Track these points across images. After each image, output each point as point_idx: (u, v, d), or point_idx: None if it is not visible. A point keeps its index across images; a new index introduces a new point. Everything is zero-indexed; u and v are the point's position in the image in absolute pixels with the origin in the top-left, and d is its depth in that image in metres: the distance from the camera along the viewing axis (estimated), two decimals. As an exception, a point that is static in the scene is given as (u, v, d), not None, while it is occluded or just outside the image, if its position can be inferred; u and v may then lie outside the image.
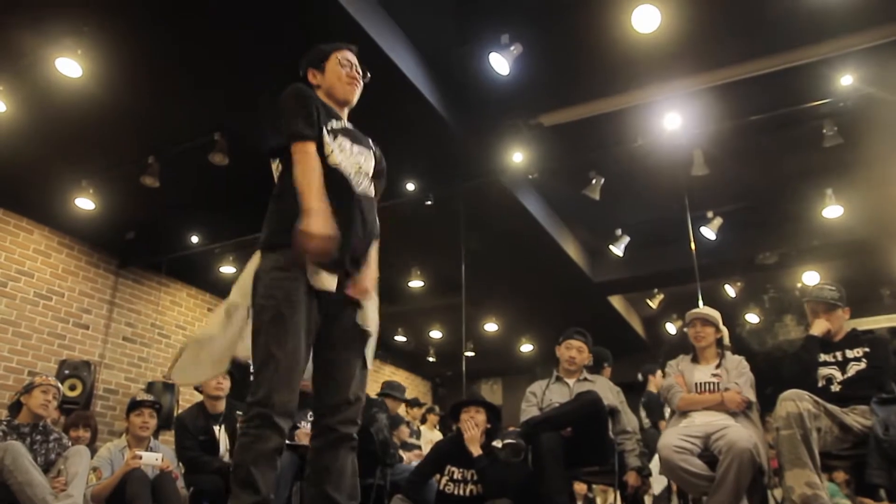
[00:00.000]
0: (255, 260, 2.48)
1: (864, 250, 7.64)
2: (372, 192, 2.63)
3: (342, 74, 2.74)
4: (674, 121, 5.71)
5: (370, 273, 2.57)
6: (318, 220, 2.18)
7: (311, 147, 2.39)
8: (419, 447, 7.37)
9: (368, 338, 2.50)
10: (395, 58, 4.97)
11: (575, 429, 3.89)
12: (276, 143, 2.50)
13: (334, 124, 2.58)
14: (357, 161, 2.58)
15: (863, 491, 6.14)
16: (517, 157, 6.12)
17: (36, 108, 5.62)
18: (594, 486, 8.26)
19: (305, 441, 4.88)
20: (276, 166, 2.57)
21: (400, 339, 12.04)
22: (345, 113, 2.79)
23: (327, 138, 2.49)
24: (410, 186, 6.71)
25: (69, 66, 4.92)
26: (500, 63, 4.98)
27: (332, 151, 2.47)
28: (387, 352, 12.76)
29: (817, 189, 6.79)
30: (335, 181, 2.42)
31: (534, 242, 7.83)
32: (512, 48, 4.95)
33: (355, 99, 2.80)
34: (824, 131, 5.52)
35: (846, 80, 5.12)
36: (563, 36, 5.22)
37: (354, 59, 2.82)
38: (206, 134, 5.89)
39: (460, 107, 5.84)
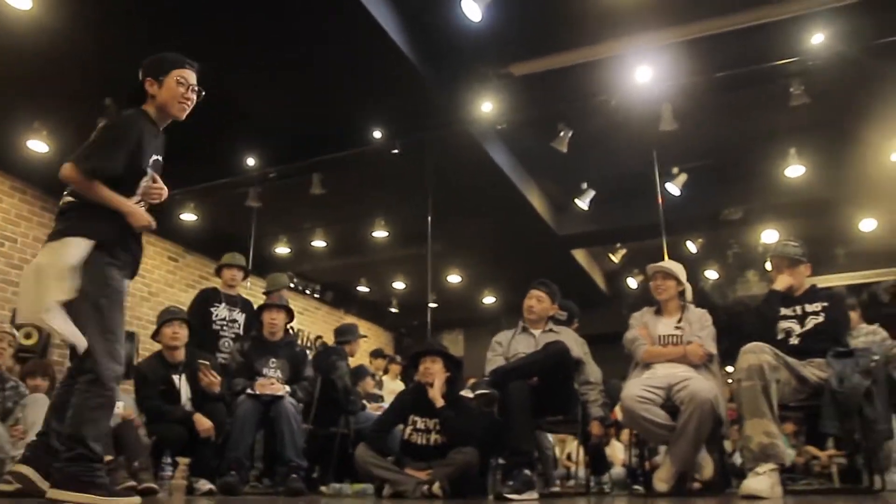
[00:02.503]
0: None
1: (823, 210, 7.80)
2: None
3: (178, 94, 2.95)
4: (644, 74, 5.68)
5: None
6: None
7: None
8: (382, 398, 7.41)
9: None
10: (365, 1, 4.83)
11: (542, 378, 3.93)
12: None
13: (150, 161, 2.91)
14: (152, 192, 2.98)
15: (812, 440, 6.39)
16: (486, 106, 6.05)
17: (-15, 45, 5.35)
18: (551, 435, 8.44)
19: (265, 390, 4.86)
20: None
21: (363, 289, 12.02)
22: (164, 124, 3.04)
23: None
24: (377, 134, 6.61)
25: (18, -2, 4.68)
26: (472, 9, 4.87)
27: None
28: (350, 302, 12.76)
29: (782, 148, 6.86)
30: None
31: (499, 194, 7.82)
32: (484, -6, 4.84)
33: (184, 116, 3.04)
34: (791, 90, 5.54)
35: (817, 38, 5.14)
36: (536, -17, 5.14)
37: (193, 79, 3.01)
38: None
39: (430, 54, 5.72)
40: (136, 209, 2.82)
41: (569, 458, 9.03)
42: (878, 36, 5.15)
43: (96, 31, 5.35)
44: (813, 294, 4.01)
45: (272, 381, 4.97)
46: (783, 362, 3.55)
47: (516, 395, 3.75)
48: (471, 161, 7.04)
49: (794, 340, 3.86)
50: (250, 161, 7.31)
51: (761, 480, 3.22)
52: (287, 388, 4.98)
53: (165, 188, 2.98)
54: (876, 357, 3.61)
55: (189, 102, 2.99)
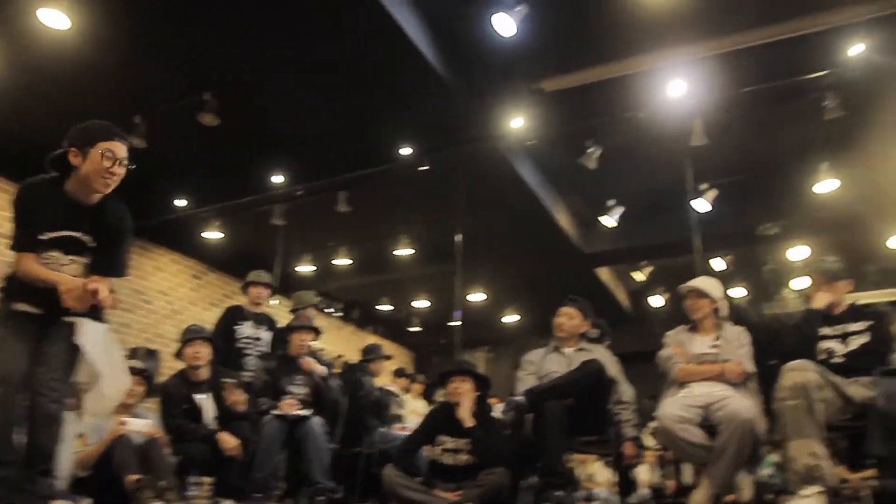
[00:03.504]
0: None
1: (858, 226, 7.64)
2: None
3: (102, 168, 2.79)
4: (677, 88, 5.61)
5: None
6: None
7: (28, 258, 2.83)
8: (402, 417, 7.35)
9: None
10: (396, 14, 4.82)
11: (577, 398, 3.85)
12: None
13: (50, 234, 2.84)
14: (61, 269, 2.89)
15: (850, 462, 6.20)
16: (516, 122, 6.00)
17: (18, 63, 5.40)
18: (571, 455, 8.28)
19: (291, 410, 4.80)
20: None
21: (386, 308, 11.98)
22: (94, 198, 2.90)
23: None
24: (405, 151, 6.58)
25: (55, 18, 4.70)
26: (505, 24, 4.84)
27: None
28: (373, 321, 12.72)
29: (816, 162, 6.75)
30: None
31: (526, 211, 7.77)
32: (518, 9, 4.80)
33: (109, 191, 2.89)
34: (825, 104, 5.45)
35: (855, 49, 5.04)
36: (570, -2, 5.11)
37: (121, 152, 2.85)
38: (196, 93, 5.71)
39: (461, 69, 5.70)
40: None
41: (590, 479, 8.87)
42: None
43: (128, 52, 5.39)
44: (856, 312, 3.88)
45: (298, 402, 4.91)
46: (828, 380, 3.44)
47: (552, 416, 3.67)
48: (499, 177, 7.00)
49: (837, 360, 3.74)
50: (276, 179, 7.31)
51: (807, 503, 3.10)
52: (310, 412, 4.91)
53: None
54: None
55: (115, 177, 2.83)
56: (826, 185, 6.85)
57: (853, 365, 3.65)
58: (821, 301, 3.93)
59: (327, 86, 5.82)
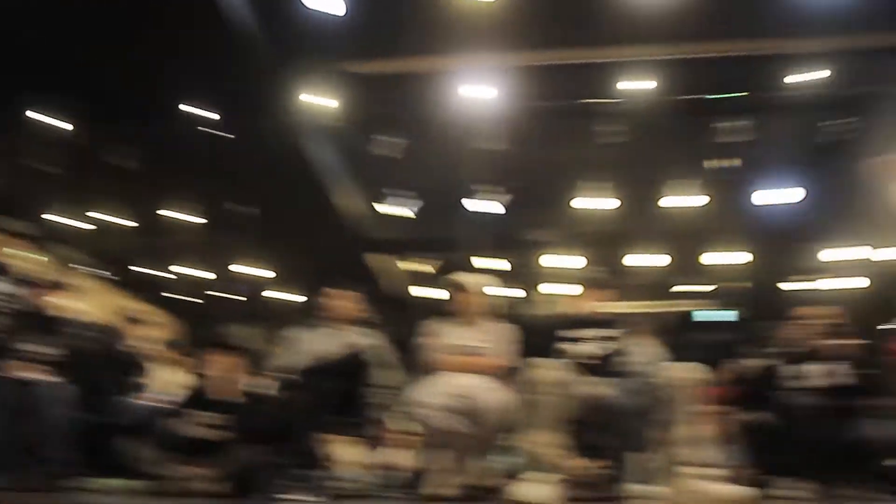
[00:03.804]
0: None
1: (620, 242, 8.44)
2: None
3: None
4: (480, 92, 5.86)
5: None
6: None
7: None
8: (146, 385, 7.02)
9: None
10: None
11: (343, 380, 3.90)
12: None
13: None
14: None
15: (588, 451, 6.87)
16: (321, 101, 5.96)
17: None
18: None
19: (25, 372, 4.38)
20: None
21: (157, 273, 11.32)
22: None
23: None
24: (201, 113, 6.24)
25: None
26: (328, 2, 4.76)
27: None
28: (141, 285, 11.96)
29: (591, 180, 7.37)
30: None
31: (317, 192, 7.71)
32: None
33: None
34: (607, 128, 5.98)
35: (641, 84, 5.59)
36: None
37: None
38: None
39: (274, 39, 5.52)
40: None
41: (345, 460, 8.99)
42: (676, 93, 5.70)
43: None
44: (610, 320, 4.31)
45: (36, 363, 4.49)
46: (575, 378, 3.79)
47: (316, 396, 3.69)
48: (294, 154, 6.89)
49: (590, 360, 4.11)
50: (46, 118, 6.59)
51: (541, 489, 3.39)
52: (50, 373, 4.50)
53: None
54: (654, 379, 3.95)
55: None
56: (596, 202, 7.52)
57: (604, 366, 4.07)
58: (581, 306, 4.33)
59: (120, 30, 5.36)
